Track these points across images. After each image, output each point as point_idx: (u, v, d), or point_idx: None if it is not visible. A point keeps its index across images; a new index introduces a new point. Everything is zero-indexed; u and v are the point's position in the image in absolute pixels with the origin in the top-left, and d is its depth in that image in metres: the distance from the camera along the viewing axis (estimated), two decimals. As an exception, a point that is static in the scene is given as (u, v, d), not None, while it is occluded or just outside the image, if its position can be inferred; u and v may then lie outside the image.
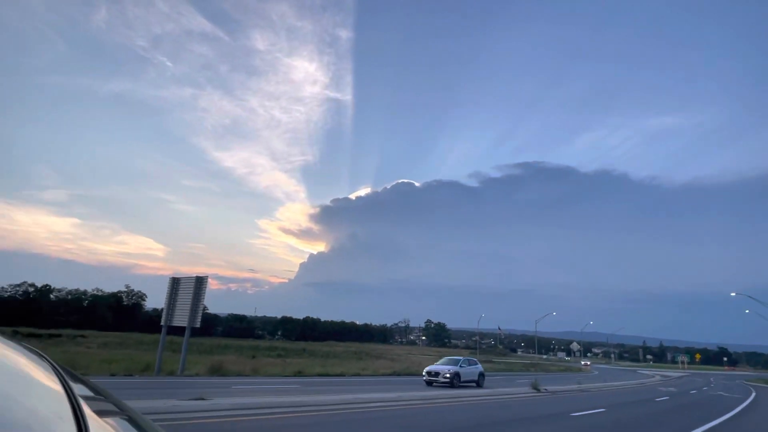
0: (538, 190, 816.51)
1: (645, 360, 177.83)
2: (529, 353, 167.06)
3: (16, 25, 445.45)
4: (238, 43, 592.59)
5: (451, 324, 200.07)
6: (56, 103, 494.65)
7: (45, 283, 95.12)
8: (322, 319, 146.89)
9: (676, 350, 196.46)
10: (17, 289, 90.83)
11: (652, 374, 71.62)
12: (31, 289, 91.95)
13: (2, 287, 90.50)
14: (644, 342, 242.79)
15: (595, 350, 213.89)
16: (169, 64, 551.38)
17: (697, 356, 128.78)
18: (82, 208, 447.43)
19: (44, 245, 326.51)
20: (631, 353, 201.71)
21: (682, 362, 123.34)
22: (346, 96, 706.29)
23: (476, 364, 27.61)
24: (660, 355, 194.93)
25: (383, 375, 33.20)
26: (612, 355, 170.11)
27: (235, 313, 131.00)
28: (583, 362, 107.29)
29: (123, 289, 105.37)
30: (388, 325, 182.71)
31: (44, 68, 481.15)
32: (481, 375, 27.03)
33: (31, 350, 1.04)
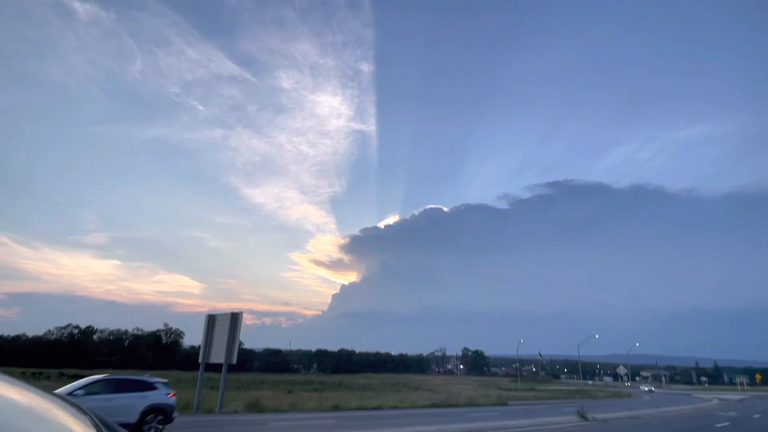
0: (571, 209, 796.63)
1: (699, 382, 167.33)
2: (574, 379, 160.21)
3: (61, 82, 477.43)
4: (264, 83, 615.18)
5: (489, 351, 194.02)
6: (98, 152, 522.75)
7: (88, 325, 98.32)
8: (357, 351, 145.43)
9: (733, 371, 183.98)
10: (63, 331, 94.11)
11: (709, 398, 67.18)
12: (75, 331, 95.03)
13: (49, 330, 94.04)
14: (696, 363, 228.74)
15: (644, 373, 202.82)
16: (200, 107, 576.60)
17: (758, 376, 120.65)
18: (122, 249, 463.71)
19: (87, 287, 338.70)
20: (683, 375, 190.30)
21: (741, 384, 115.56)
22: (371, 127, 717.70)
23: (140, 389, 14.14)
24: (715, 376, 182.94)
25: (422, 407, 32.31)
26: (663, 378, 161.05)
27: (270, 347, 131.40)
28: (645, 387, 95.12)
29: (162, 327, 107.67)
30: (425, 354, 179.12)
31: (87, 120, 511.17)
32: (158, 411, 14.02)
33: (70, 403, 1.03)
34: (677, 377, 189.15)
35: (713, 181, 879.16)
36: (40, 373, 56.51)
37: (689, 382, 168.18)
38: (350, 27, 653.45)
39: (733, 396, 76.25)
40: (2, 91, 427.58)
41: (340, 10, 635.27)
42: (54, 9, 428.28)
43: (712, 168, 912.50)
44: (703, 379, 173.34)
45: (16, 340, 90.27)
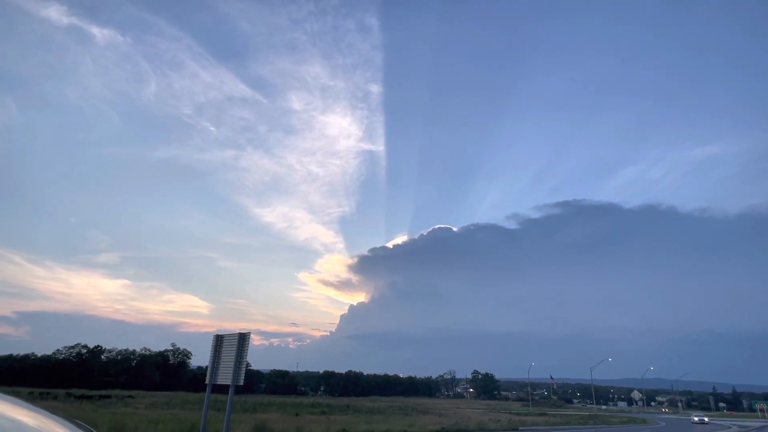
0: (581, 229, 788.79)
1: (718, 408, 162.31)
2: (587, 404, 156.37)
3: (77, 104, 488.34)
4: (275, 104, 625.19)
5: (500, 374, 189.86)
6: (110, 173, 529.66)
7: (97, 344, 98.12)
8: (365, 373, 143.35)
9: (752, 396, 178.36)
10: (71, 351, 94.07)
11: (728, 425, 65.13)
12: (83, 351, 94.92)
13: (58, 349, 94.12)
14: (714, 388, 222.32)
15: (659, 398, 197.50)
16: (212, 129, 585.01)
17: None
18: (132, 269, 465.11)
19: (97, 307, 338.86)
20: (700, 401, 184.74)
21: (761, 410, 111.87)
22: (379, 147, 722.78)
23: None
24: (734, 402, 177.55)
25: (431, 431, 31.65)
26: (679, 404, 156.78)
27: (277, 368, 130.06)
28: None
29: (169, 347, 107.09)
30: (434, 377, 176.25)
31: (101, 141, 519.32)
32: None
33: (77, 425, 1.03)
34: (694, 403, 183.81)
35: (726, 201, 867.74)
36: (47, 393, 56.33)
37: (707, 408, 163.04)
38: (360, 50, 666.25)
39: (754, 423, 73.78)
40: (20, 113, 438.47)
41: (350, 33, 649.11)
42: (73, 35, 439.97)
43: (724, 187, 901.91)
44: (722, 404, 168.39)
45: (26, 359, 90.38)
